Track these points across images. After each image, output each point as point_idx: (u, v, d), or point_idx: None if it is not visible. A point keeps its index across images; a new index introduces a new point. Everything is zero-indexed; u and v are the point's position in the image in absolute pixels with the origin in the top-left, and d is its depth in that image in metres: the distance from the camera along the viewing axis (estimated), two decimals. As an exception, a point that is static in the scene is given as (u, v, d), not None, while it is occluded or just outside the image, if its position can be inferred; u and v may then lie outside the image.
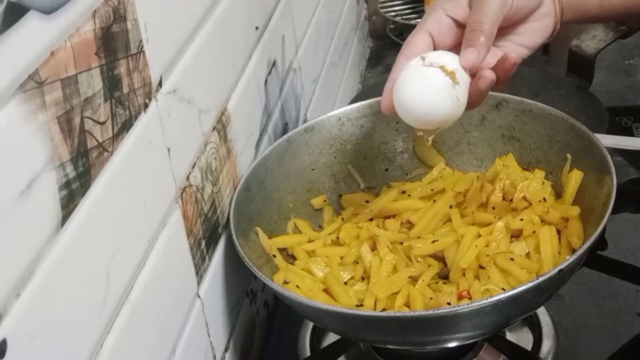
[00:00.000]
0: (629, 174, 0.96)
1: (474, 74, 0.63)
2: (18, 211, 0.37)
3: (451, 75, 0.61)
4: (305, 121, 0.96)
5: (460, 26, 0.66)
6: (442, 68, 0.61)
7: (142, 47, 0.51)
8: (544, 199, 0.72)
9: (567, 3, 0.71)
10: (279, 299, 0.75)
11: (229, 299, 0.68)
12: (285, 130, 0.87)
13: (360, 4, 1.44)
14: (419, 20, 1.36)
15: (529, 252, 0.68)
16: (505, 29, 0.67)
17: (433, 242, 0.70)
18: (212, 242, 0.65)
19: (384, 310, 0.65)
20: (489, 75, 0.62)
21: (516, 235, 0.70)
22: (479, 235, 0.69)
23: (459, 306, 0.56)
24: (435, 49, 0.66)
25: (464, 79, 0.63)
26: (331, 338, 0.75)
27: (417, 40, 0.66)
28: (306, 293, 0.67)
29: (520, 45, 0.69)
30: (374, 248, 0.72)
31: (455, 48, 0.66)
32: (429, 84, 0.61)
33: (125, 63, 0.49)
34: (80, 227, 0.43)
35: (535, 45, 0.70)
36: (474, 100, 0.64)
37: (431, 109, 0.61)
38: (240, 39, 0.73)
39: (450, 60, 0.63)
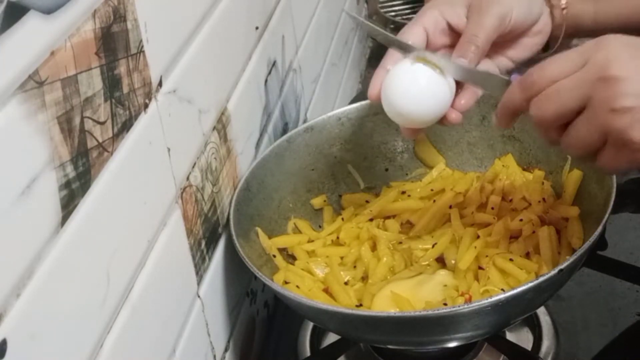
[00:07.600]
0: (629, 174, 0.96)
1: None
2: (18, 211, 0.37)
3: (440, 74, 0.62)
4: (305, 121, 0.96)
5: (453, 31, 0.66)
6: (432, 66, 0.62)
7: (142, 47, 0.51)
8: (544, 199, 0.72)
9: (561, 20, 0.70)
10: (279, 299, 0.75)
11: (229, 299, 0.68)
12: (285, 130, 0.87)
13: (360, 4, 1.44)
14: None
15: (528, 253, 0.68)
16: (497, 41, 0.67)
17: (433, 245, 0.70)
18: (212, 242, 0.65)
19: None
20: (453, 118, 0.64)
21: (515, 235, 0.70)
22: (478, 237, 0.69)
23: (458, 306, 0.56)
24: (427, 46, 0.66)
25: (451, 83, 0.63)
26: (331, 338, 0.75)
27: (413, 33, 0.66)
28: (306, 293, 0.67)
29: (508, 58, 0.69)
30: (374, 248, 0.72)
31: (444, 50, 0.66)
32: (417, 82, 0.62)
33: (125, 63, 0.49)
34: (80, 227, 0.43)
35: (523, 59, 0.70)
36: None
37: (417, 107, 0.62)
38: (240, 39, 0.73)
39: (440, 61, 0.63)
